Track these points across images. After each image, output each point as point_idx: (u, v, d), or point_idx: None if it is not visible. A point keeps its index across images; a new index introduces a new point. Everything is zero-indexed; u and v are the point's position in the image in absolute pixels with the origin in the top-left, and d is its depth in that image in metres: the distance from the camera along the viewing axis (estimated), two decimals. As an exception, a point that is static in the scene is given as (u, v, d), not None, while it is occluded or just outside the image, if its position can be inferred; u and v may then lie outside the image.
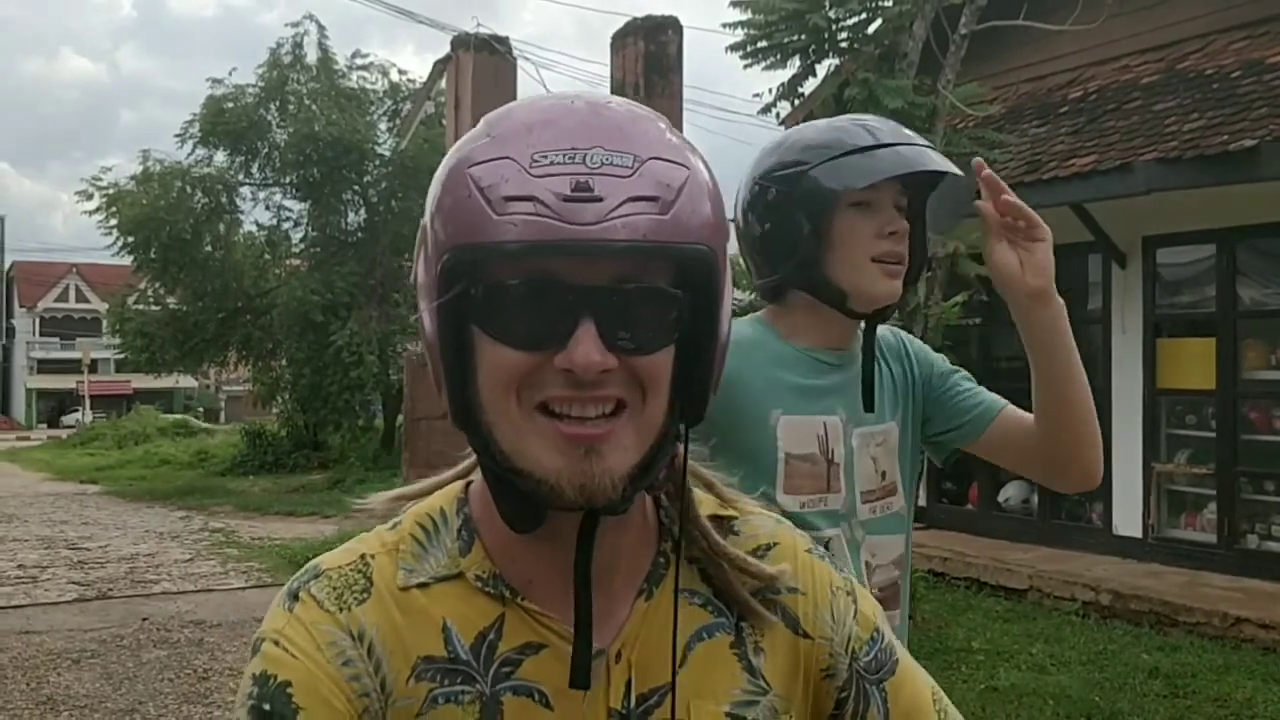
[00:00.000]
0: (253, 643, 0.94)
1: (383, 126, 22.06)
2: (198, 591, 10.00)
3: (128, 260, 21.88)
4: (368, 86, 22.18)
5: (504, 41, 11.18)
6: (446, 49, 11.52)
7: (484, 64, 10.95)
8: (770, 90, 8.03)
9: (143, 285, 22.98)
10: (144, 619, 8.67)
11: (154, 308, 22.50)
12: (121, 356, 24.21)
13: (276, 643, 0.92)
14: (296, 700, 0.89)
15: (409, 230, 21.09)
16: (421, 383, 10.75)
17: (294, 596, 0.95)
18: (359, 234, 22.03)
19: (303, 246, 22.86)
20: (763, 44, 8.00)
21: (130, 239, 20.77)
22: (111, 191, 21.11)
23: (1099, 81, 9.47)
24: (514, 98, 9.88)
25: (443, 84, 11.80)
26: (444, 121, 14.54)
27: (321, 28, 21.81)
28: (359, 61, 22.30)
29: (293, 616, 0.93)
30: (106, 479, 23.65)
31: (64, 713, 6.33)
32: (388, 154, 21.37)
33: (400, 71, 22.82)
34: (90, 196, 21.13)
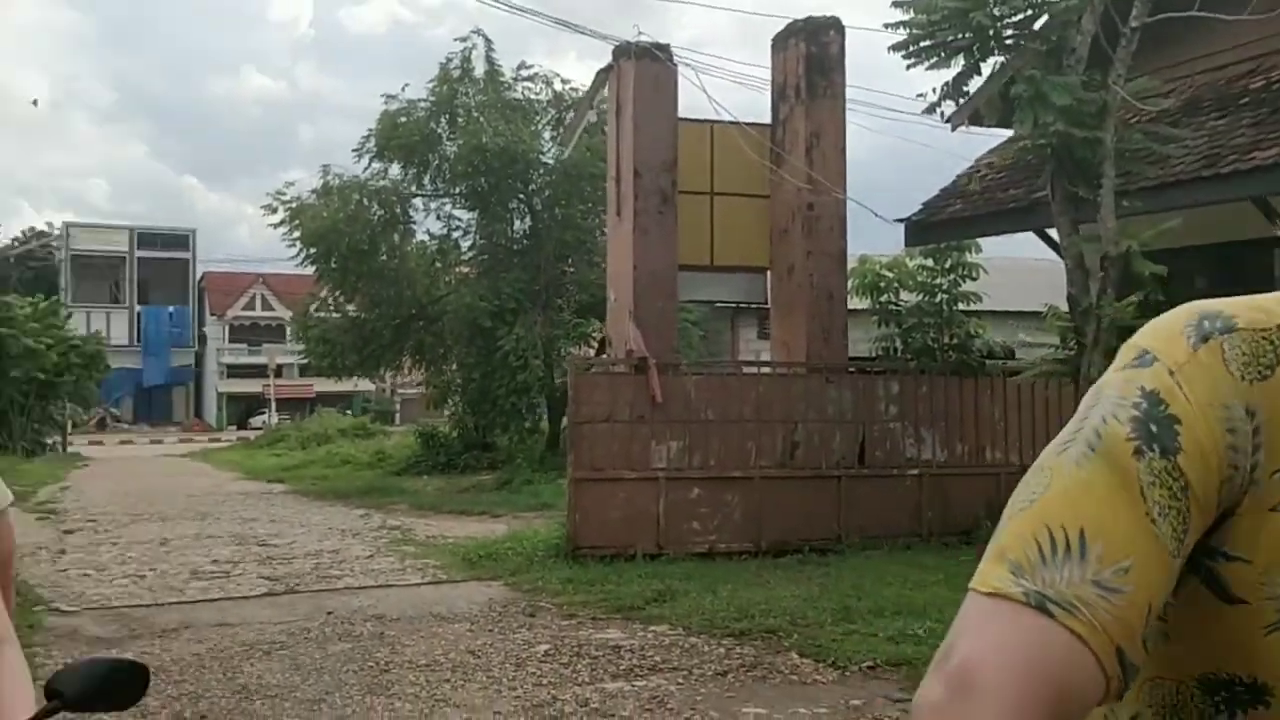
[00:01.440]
0: (1137, 350, 0.91)
1: (546, 135, 22.54)
2: (378, 587, 10.46)
3: (309, 270, 22.98)
4: (532, 96, 22.70)
5: (664, 49, 11.33)
6: (608, 56, 11.76)
7: (645, 71, 11.13)
8: (934, 90, 7.91)
9: (324, 294, 24.06)
10: (329, 613, 9.12)
11: (335, 315, 23.55)
12: (305, 362, 25.35)
13: (1172, 374, 0.87)
14: (1181, 440, 0.85)
15: (571, 237, 21.50)
16: (585, 387, 10.99)
17: (1204, 337, 0.89)
18: (524, 241, 22.57)
19: (471, 254, 23.58)
20: (926, 43, 7.92)
21: (312, 250, 21.81)
22: (294, 205, 22.19)
23: (1283, 70, 9.01)
24: (675, 104, 10.02)
25: (605, 92, 12.04)
26: (605, 129, 14.81)
27: (488, 41, 22.44)
28: (524, 73, 22.86)
29: (1195, 357, 0.88)
30: (292, 478, 24.86)
31: (258, 701, 6.73)
32: (551, 162, 21.82)
33: (563, 81, 23.22)
34: (275, 210, 22.30)
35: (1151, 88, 7.59)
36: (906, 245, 12.33)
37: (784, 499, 11.27)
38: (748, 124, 12.08)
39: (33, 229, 65.76)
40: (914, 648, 7.32)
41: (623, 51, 11.39)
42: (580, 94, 22.62)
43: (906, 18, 7.82)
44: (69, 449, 36.27)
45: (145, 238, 63.05)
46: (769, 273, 12.41)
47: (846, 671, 7.25)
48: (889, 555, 11.02)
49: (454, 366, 22.93)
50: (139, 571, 11.55)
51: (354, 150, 22.17)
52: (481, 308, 20.68)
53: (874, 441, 11.85)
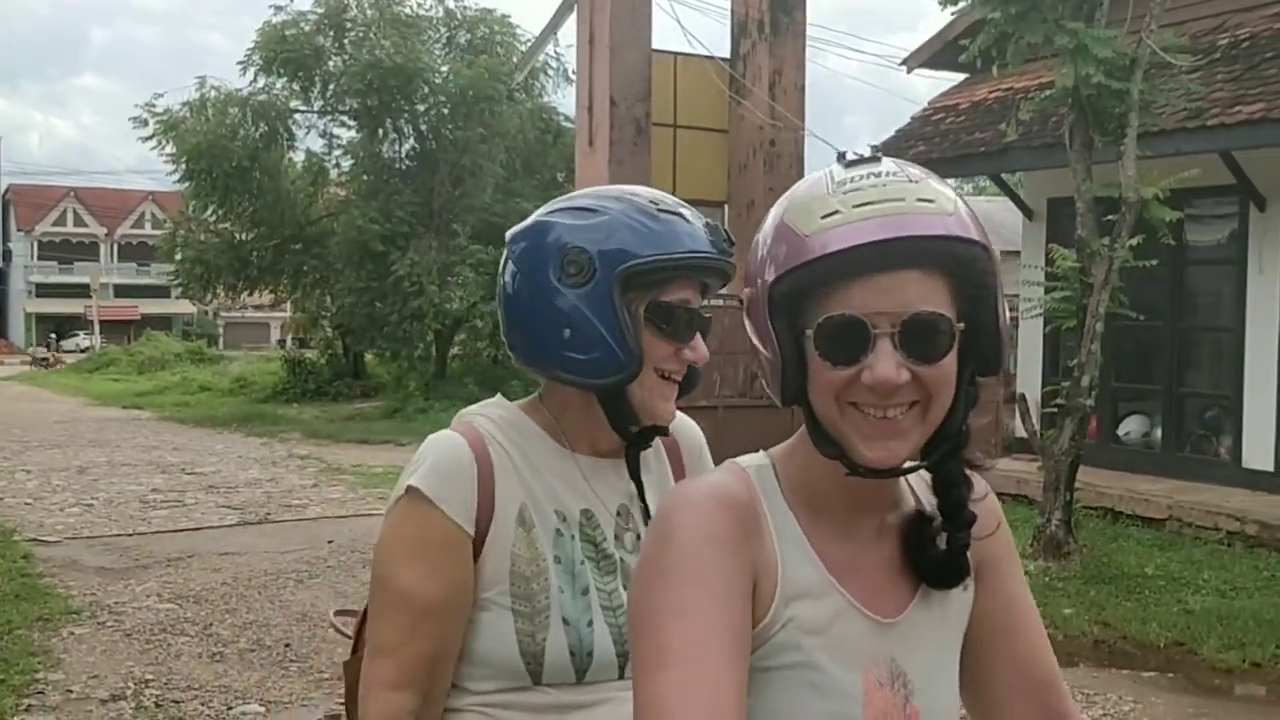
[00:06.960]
0: None
1: (436, 53, 21.98)
2: (355, 516, 10.27)
3: (132, 186, 21.99)
4: (422, 13, 22.03)
5: (638, -23, 11.28)
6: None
7: None
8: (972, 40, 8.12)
9: (192, 211, 22.91)
10: (329, 542, 8.96)
11: (213, 238, 22.44)
12: (178, 284, 24.16)
13: None
14: None
15: (468, 160, 21.03)
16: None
17: None
18: (410, 163, 22.04)
19: (349, 175, 22.89)
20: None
21: (188, 165, 20.68)
22: (166, 119, 21.01)
23: (1249, 29, 9.70)
24: (650, 33, 10.06)
25: (572, 18, 11.90)
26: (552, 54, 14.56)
27: (377, -50, 21.58)
28: (415, -13, 22.12)
29: None
30: (151, 405, 23.74)
31: (330, 628, 6.63)
32: (440, 82, 21.22)
33: (455, -2, 22.57)
34: (145, 123, 21.07)
35: (1176, 43, 8.01)
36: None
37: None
38: (706, 57, 12.18)
39: None
40: None
41: (597, -23, 11.28)
42: (472, 12, 22.20)
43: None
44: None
45: (-60, 144, 58.18)
46: (726, 207, 12.61)
47: None
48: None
49: (341, 290, 22.15)
50: (82, 501, 11.01)
51: (239, 63, 21.14)
52: (372, 230, 20.14)
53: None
